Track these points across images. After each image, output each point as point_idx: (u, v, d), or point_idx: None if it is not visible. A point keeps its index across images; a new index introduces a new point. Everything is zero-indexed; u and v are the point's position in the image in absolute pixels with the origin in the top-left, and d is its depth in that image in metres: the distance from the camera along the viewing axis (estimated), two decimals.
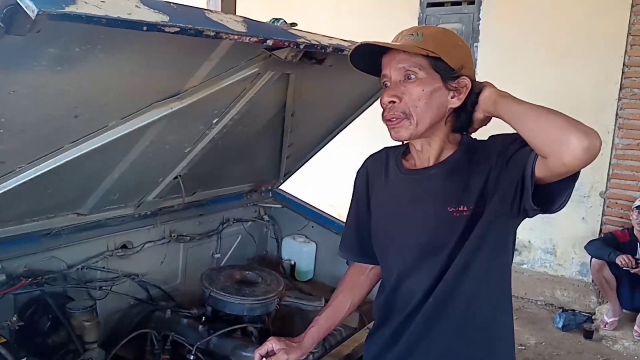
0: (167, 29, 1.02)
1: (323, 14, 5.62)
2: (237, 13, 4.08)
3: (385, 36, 1.33)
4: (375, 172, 1.46)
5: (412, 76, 1.25)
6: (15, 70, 1.06)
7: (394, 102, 1.27)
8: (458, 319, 1.31)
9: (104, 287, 1.83)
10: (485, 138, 1.34)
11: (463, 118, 1.32)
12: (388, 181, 1.41)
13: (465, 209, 1.25)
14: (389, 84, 1.29)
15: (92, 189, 1.71)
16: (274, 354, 1.44)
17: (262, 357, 1.45)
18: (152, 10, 1.01)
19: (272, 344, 1.45)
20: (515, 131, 1.21)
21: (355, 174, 1.53)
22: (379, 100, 1.33)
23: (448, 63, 1.25)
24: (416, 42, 1.25)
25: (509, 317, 1.41)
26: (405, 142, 1.36)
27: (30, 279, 1.59)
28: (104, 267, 1.88)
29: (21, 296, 1.62)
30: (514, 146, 1.23)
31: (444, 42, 1.28)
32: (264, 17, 1.52)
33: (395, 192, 1.39)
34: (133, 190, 1.87)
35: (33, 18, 0.83)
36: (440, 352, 1.33)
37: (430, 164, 1.33)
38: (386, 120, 1.30)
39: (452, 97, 1.28)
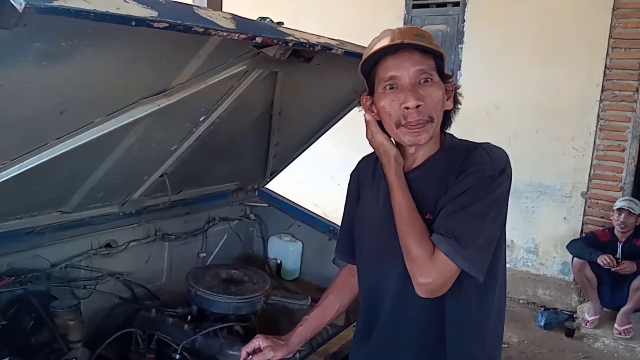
0: (155, 25, 1.01)
1: (309, 14, 5.62)
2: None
3: (371, 36, 1.32)
4: (365, 175, 1.46)
5: (429, 79, 1.22)
6: (1, 65, 1.04)
7: (419, 105, 1.21)
8: (428, 343, 1.28)
9: (88, 286, 1.82)
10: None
11: (447, 118, 1.33)
12: (374, 185, 1.41)
13: (431, 217, 1.23)
14: (395, 86, 1.23)
15: (76, 186, 1.69)
16: (261, 351, 1.44)
17: (248, 354, 1.44)
18: (140, 5, 1.00)
19: (259, 341, 1.45)
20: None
21: (340, 175, 1.53)
22: (389, 104, 1.24)
23: (445, 67, 1.27)
24: (426, 43, 1.21)
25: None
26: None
27: (13, 278, 1.58)
28: (87, 266, 1.87)
29: (4, 295, 1.60)
30: (457, 189, 1.20)
31: (438, 45, 1.27)
32: (251, 15, 1.52)
33: (378, 197, 1.37)
34: (118, 188, 1.86)
35: (20, 11, 0.82)
36: None
37: (412, 168, 1.32)
38: (407, 124, 1.23)
39: (447, 100, 1.29)
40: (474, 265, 1.17)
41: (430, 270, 1.16)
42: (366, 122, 1.34)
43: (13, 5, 0.83)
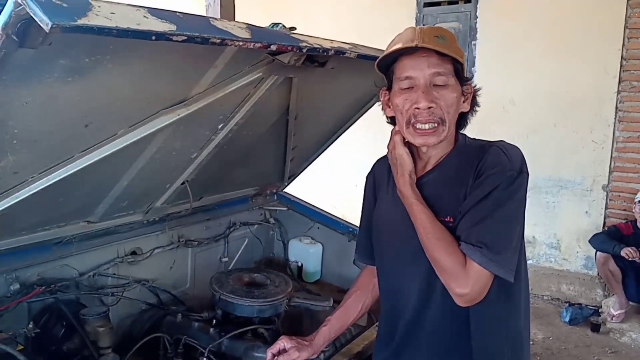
0: (174, 38, 1.04)
1: (320, 15, 5.65)
2: (236, 18, 4.11)
3: (383, 36, 1.34)
4: (380, 177, 1.47)
5: (444, 82, 1.23)
6: (28, 82, 1.09)
7: (431, 107, 1.23)
8: (453, 343, 1.29)
9: (115, 294, 1.86)
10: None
11: (463, 120, 1.34)
12: (389, 188, 1.42)
13: (452, 220, 1.25)
14: (410, 86, 1.24)
15: (101, 196, 1.74)
16: (286, 352, 1.46)
17: (274, 355, 1.47)
18: (159, 20, 1.03)
19: (283, 342, 1.48)
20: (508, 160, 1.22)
21: (357, 176, 1.54)
22: (402, 103, 1.26)
23: (463, 70, 1.27)
24: (445, 45, 1.21)
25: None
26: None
27: (43, 287, 1.62)
28: (114, 274, 1.91)
29: (35, 304, 1.65)
30: (479, 193, 1.20)
31: (458, 47, 1.27)
32: (262, 21, 1.55)
33: (395, 199, 1.37)
34: (141, 197, 1.90)
35: (47, 31, 0.85)
36: None
37: (428, 169, 1.33)
38: (417, 124, 1.25)
39: (463, 102, 1.30)
40: (507, 269, 1.18)
41: (467, 281, 1.16)
42: (392, 134, 1.36)
43: (39, 26, 0.86)
